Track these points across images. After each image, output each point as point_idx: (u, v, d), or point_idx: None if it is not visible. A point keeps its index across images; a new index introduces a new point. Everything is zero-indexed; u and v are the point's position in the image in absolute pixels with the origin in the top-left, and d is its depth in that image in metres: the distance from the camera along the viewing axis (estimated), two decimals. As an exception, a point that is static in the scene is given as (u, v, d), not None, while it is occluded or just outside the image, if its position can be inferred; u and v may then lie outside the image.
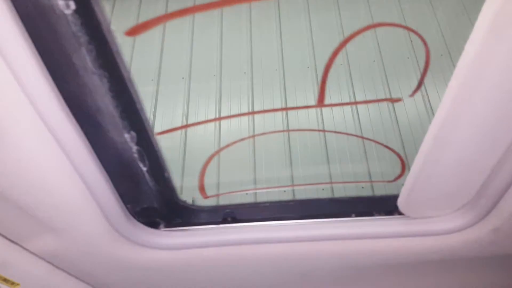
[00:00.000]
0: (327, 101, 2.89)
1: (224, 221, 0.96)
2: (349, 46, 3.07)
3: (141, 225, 0.90)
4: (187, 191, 2.67)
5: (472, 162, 0.75)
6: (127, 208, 0.88)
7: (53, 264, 0.90)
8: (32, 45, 0.55)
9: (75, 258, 0.90)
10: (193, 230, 0.94)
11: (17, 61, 0.54)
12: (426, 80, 2.73)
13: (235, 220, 0.96)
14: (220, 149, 2.71)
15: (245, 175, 2.70)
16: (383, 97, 2.78)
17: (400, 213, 0.90)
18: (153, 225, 0.94)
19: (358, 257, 0.96)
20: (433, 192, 0.83)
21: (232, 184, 2.68)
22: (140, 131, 0.76)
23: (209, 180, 2.67)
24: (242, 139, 2.72)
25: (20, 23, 0.53)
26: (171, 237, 0.92)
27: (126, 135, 0.75)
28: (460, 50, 0.58)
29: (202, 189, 2.62)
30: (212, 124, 2.88)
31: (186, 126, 2.80)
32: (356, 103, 2.82)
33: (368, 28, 3.10)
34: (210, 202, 2.57)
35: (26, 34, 0.54)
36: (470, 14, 2.92)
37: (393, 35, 3.05)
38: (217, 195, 2.58)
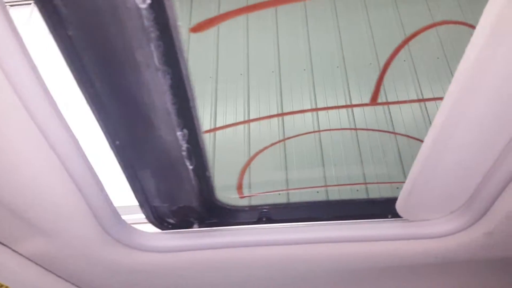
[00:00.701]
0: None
1: (259, 221, 0.95)
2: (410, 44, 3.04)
3: (133, 227, 0.89)
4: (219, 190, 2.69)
5: (468, 166, 0.75)
6: (162, 207, 0.88)
7: (43, 267, 0.89)
8: (24, 46, 0.55)
9: (66, 261, 0.89)
10: (186, 233, 0.93)
11: (8, 62, 0.54)
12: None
13: (270, 220, 0.95)
14: (265, 148, 2.69)
15: (278, 176, 2.70)
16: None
17: (397, 216, 0.90)
18: (186, 225, 0.93)
19: (356, 260, 0.96)
20: (430, 195, 0.83)
21: (267, 185, 2.69)
22: (191, 129, 0.75)
23: (246, 180, 2.68)
24: (287, 139, 2.71)
25: (13, 25, 0.52)
26: (163, 239, 0.91)
27: (179, 133, 0.74)
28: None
29: (239, 188, 2.62)
30: (245, 125, 2.86)
31: (231, 125, 2.79)
32: (417, 101, 2.80)
33: (432, 26, 3.05)
34: (242, 202, 2.58)
35: (19, 35, 0.53)
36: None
37: (454, 31, 2.95)
38: (253, 195, 2.59)
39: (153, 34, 0.59)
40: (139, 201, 0.89)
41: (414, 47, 2.99)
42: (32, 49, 0.57)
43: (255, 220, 0.95)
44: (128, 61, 0.62)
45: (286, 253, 0.94)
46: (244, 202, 2.57)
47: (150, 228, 0.93)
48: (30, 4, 5.00)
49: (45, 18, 0.57)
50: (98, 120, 0.71)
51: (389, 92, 2.85)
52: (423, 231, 0.89)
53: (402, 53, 3.06)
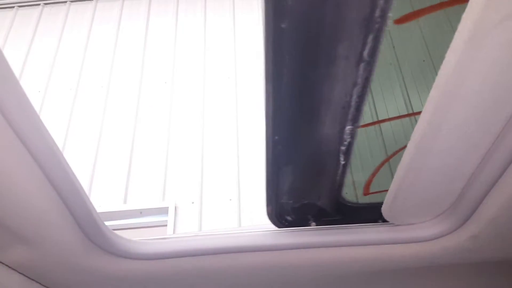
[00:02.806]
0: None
1: (380, 219, 0.93)
2: None
3: (116, 234, 0.88)
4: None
5: (452, 170, 0.76)
6: (286, 204, 0.87)
7: (26, 276, 0.88)
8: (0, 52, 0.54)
9: (50, 269, 0.88)
10: (170, 239, 0.92)
11: None
12: None
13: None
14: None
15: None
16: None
17: (383, 220, 0.91)
18: (303, 222, 0.92)
19: (342, 265, 0.96)
20: (415, 199, 0.83)
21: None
22: (357, 124, 0.75)
23: (377, 178, 2.66)
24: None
25: None
26: (147, 246, 0.90)
27: (348, 127, 0.74)
28: None
29: (368, 185, 2.60)
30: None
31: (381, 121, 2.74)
32: None
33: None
34: (364, 200, 2.58)
35: None
36: None
37: None
38: (379, 192, 2.56)
39: (371, 26, 0.59)
40: (268, 197, 0.89)
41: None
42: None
43: (377, 218, 0.93)
44: (328, 54, 0.62)
45: (272, 259, 0.93)
46: (366, 200, 2.55)
47: (130, 235, 0.92)
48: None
49: (267, 9, 0.58)
50: (268, 114, 0.72)
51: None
52: (409, 235, 0.89)
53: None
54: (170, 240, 0.92)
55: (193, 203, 3.52)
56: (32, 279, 0.89)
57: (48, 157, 0.66)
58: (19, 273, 0.86)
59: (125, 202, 3.54)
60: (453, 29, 0.56)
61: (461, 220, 0.84)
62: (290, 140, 0.78)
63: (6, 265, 0.83)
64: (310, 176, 0.85)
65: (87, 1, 4.93)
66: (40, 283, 0.91)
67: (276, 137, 0.76)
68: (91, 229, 0.81)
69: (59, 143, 3.82)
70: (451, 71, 0.58)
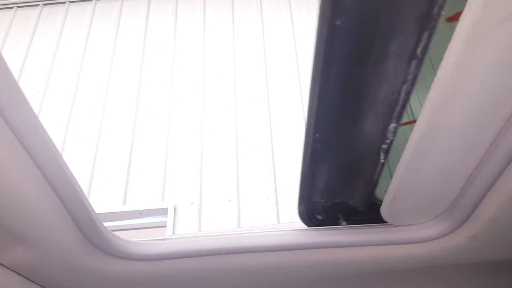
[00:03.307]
0: None
1: None
2: None
3: (115, 235, 0.88)
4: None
5: (451, 170, 0.76)
6: (318, 203, 0.87)
7: (25, 277, 0.88)
8: None
9: (49, 270, 0.88)
10: (169, 240, 0.92)
11: None
12: None
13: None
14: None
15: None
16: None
17: (382, 221, 0.91)
18: (333, 221, 0.92)
19: (340, 266, 0.96)
20: (414, 200, 0.83)
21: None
22: (400, 121, 0.75)
23: None
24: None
25: None
26: (146, 247, 0.90)
27: (392, 125, 0.74)
28: None
29: None
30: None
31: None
32: None
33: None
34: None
35: None
36: None
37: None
38: None
39: (427, 23, 0.59)
40: (301, 196, 0.89)
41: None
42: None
43: None
44: (380, 51, 0.62)
45: (269, 260, 0.93)
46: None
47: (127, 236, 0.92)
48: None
49: (323, 6, 0.58)
50: (312, 111, 0.71)
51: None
52: (408, 236, 0.89)
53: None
54: (169, 241, 0.92)
55: (192, 204, 3.52)
56: (31, 280, 0.89)
57: (47, 158, 0.66)
58: (18, 274, 0.86)
59: (124, 203, 3.54)
60: (451, 29, 0.56)
61: (460, 221, 0.84)
62: (330, 139, 0.78)
63: (5, 266, 0.83)
64: (347, 175, 0.85)
65: (86, 2, 4.93)
66: (38, 284, 0.91)
67: (317, 135, 0.76)
68: (89, 230, 0.81)
69: (58, 144, 3.82)
70: (449, 72, 0.58)
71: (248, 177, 3.65)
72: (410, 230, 0.89)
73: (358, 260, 0.94)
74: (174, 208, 3.47)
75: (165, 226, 3.36)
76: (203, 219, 3.45)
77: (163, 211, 3.45)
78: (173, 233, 3.32)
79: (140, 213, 3.47)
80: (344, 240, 0.91)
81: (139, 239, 0.92)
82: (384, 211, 0.87)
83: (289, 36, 4.53)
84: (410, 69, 0.65)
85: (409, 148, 0.71)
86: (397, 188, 0.79)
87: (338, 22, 0.59)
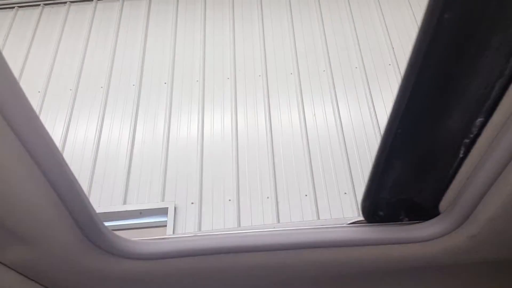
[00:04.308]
0: None
1: None
2: None
3: (115, 234, 0.88)
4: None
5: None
6: (382, 199, 0.86)
7: (25, 275, 0.88)
8: None
9: (48, 269, 0.88)
10: (169, 239, 0.92)
11: None
12: None
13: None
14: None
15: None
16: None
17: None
18: (394, 218, 0.90)
19: (339, 265, 0.96)
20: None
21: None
22: (489, 116, 0.72)
23: None
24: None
25: None
26: (146, 246, 0.90)
27: (478, 120, 0.72)
28: None
29: None
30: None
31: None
32: None
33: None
34: None
35: None
36: None
37: None
38: None
39: None
40: (368, 192, 0.87)
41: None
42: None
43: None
44: (479, 45, 0.61)
45: (269, 260, 0.93)
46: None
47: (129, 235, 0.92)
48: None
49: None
50: (400, 106, 0.70)
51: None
52: (407, 235, 0.89)
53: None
54: (169, 240, 0.92)
55: (192, 203, 3.52)
56: (31, 279, 0.89)
57: (47, 156, 0.66)
58: (18, 272, 0.86)
59: (124, 202, 3.54)
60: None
61: (459, 221, 0.84)
62: (412, 134, 0.76)
63: (5, 265, 0.83)
64: (420, 171, 0.83)
65: (87, 2, 4.93)
66: (38, 283, 0.91)
67: (399, 130, 0.75)
68: (89, 228, 0.81)
69: (59, 143, 3.82)
70: None
71: (248, 177, 3.65)
72: (409, 230, 0.89)
73: (356, 260, 0.93)
74: (175, 208, 3.47)
75: (166, 226, 3.36)
76: (203, 219, 3.45)
77: (164, 211, 3.45)
78: (174, 232, 3.32)
79: (141, 213, 3.47)
80: (341, 240, 0.90)
81: (139, 238, 0.92)
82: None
83: (287, 37, 4.53)
84: (509, 64, 0.64)
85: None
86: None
87: (446, 16, 0.59)
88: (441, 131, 0.75)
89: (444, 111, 0.72)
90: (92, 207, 0.80)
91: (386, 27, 4.59)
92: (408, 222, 0.91)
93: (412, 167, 0.81)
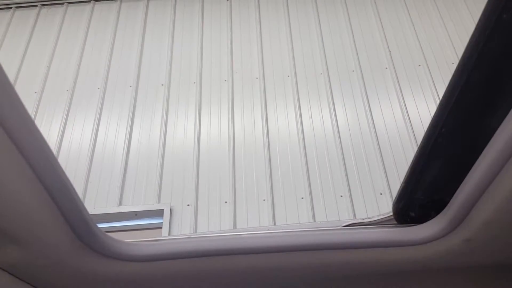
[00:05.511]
0: None
1: None
2: None
3: (108, 236, 0.87)
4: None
5: None
6: (415, 200, 0.85)
7: (16, 276, 0.87)
8: None
9: (40, 270, 0.87)
10: (163, 241, 0.92)
11: None
12: None
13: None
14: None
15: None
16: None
17: None
18: (423, 218, 0.90)
19: (333, 268, 0.96)
20: None
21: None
22: None
23: None
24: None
25: None
26: (140, 248, 0.89)
27: None
28: None
29: None
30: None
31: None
32: None
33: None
34: None
35: None
36: None
37: None
38: None
39: None
40: (403, 192, 0.86)
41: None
42: None
43: None
44: None
45: (270, 262, 0.93)
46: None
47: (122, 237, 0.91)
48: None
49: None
50: (448, 104, 0.70)
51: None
52: (401, 238, 0.89)
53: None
54: (162, 242, 0.92)
55: (188, 205, 3.51)
56: (22, 280, 0.89)
57: (39, 157, 0.65)
58: (9, 273, 0.86)
59: (120, 204, 3.53)
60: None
61: (453, 224, 0.83)
62: (455, 134, 0.76)
63: (-4, 266, 0.82)
64: (456, 171, 0.82)
65: (84, 3, 4.93)
66: (30, 284, 0.91)
67: (443, 130, 0.74)
68: (82, 230, 0.80)
69: (55, 145, 3.81)
70: None
71: (245, 179, 3.64)
72: (403, 233, 0.89)
73: (351, 262, 0.93)
74: (170, 210, 3.46)
75: (161, 228, 3.35)
76: (199, 221, 3.45)
77: (159, 213, 3.44)
78: (169, 235, 3.31)
79: (136, 215, 3.46)
80: (336, 242, 0.90)
81: (133, 240, 0.91)
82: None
83: (285, 40, 4.53)
84: None
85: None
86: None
87: (505, 16, 0.59)
88: (484, 131, 0.73)
89: (491, 110, 0.71)
90: (85, 208, 0.80)
91: (383, 30, 4.60)
92: (403, 225, 0.91)
93: (451, 167, 0.81)
